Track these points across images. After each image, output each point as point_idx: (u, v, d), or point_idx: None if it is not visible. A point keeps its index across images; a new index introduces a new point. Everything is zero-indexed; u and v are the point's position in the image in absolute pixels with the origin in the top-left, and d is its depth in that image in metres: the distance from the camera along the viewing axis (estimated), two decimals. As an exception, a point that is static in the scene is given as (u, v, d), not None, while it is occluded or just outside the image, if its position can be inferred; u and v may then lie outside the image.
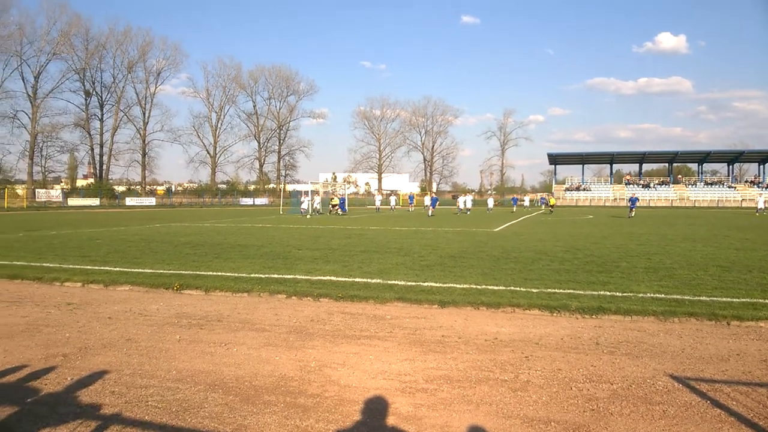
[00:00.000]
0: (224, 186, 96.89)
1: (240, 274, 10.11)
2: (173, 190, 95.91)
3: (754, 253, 14.01)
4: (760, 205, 47.60)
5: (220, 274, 10.21)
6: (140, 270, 10.74)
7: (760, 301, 7.72)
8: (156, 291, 8.91)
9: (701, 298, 8.00)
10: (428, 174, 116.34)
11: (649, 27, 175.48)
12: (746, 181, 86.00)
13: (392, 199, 58.86)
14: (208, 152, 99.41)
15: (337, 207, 42.38)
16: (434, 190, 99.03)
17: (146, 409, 4.08)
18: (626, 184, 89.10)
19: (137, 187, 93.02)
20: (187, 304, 7.96)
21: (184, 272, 10.44)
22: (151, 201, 74.05)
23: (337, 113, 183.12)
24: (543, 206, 53.27)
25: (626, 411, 4.10)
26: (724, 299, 7.88)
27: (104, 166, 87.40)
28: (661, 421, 3.92)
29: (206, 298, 8.44)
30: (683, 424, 3.86)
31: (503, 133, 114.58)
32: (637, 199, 42.01)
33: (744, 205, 72.79)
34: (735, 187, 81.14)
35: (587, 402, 4.28)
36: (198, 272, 10.42)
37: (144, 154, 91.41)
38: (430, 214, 39.77)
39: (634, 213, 39.42)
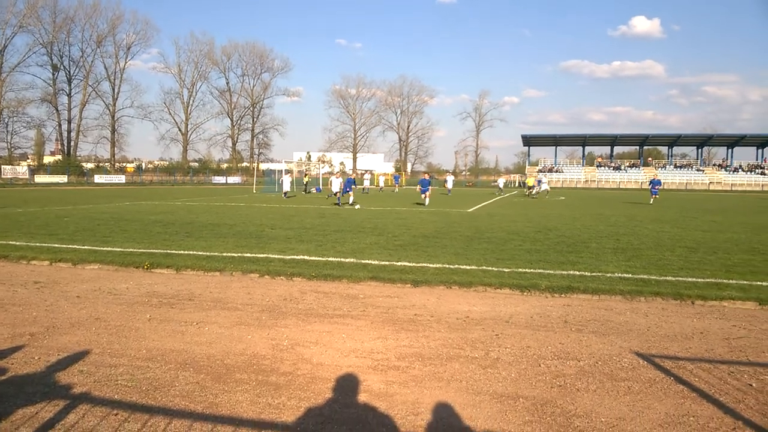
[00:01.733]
0: (196, 164, 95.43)
1: (212, 253, 10.02)
2: (143, 167, 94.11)
3: (720, 234, 14.40)
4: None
5: (191, 253, 10.10)
6: (109, 248, 10.56)
7: (724, 281, 7.95)
8: (126, 270, 8.78)
9: (667, 278, 8.20)
10: (403, 154, 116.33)
11: (624, 10, 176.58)
12: (714, 165, 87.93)
13: (366, 179, 50.62)
14: (180, 129, 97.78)
15: (313, 188, 41.68)
16: (408, 170, 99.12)
17: (115, 388, 4.05)
18: (597, 166, 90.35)
19: (106, 164, 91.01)
20: (158, 282, 7.87)
21: (154, 251, 10.30)
22: (121, 179, 72.52)
23: (312, 92, 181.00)
24: (524, 188, 47.92)
25: (592, 387, 4.21)
26: (690, 279, 8.09)
27: (72, 143, 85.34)
28: (626, 396, 4.03)
29: (177, 277, 8.36)
30: (647, 399, 3.98)
31: (478, 114, 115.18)
32: (659, 181, 34.28)
33: (712, 188, 74.59)
34: (703, 171, 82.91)
35: (555, 378, 4.38)
36: (169, 251, 10.29)
37: (113, 131, 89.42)
38: (425, 198, 38.68)
39: (654, 199, 32.52)
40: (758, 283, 7.83)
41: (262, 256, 9.86)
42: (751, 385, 4.25)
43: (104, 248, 10.59)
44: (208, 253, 10.01)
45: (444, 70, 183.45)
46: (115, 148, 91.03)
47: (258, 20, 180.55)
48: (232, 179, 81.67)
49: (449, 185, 46.47)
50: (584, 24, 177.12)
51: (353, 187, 27.69)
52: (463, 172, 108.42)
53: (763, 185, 75.61)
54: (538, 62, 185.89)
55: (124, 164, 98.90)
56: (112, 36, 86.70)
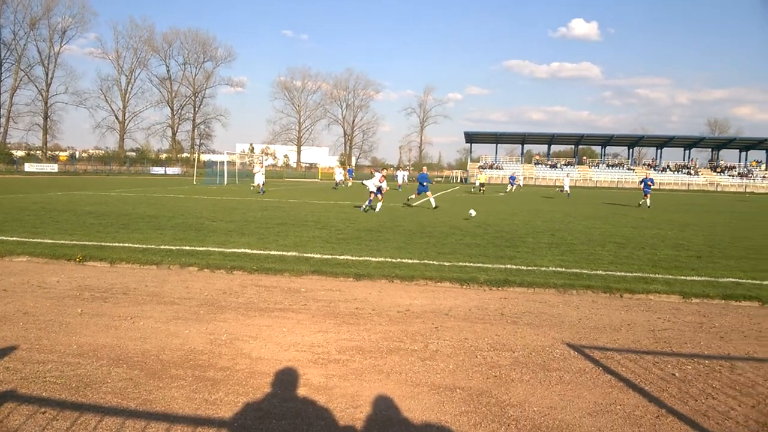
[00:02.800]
0: (133, 154, 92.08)
1: (149, 246, 9.72)
2: (77, 156, 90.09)
3: (647, 231, 15.14)
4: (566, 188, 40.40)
5: (126, 245, 9.76)
6: (39, 240, 10.06)
7: (650, 275, 8.38)
8: (56, 262, 8.40)
9: (598, 272, 8.57)
10: (348, 148, 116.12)
11: (564, 12, 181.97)
12: (644, 164, 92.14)
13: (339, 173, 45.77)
14: (117, 117, 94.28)
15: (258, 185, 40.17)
16: (353, 164, 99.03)
17: (44, 385, 3.88)
18: (535, 163, 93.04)
19: (38, 152, 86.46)
20: (91, 276, 7.58)
21: (87, 243, 9.89)
22: (53, 167, 69.09)
23: (257, 83, 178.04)
24: (475, 187, 47.99)
25: (526, 377, 4.36)
26: (619, 273, 8.48)
27: (1, 129, 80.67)
28: (557, 386, 4.20)
29: (111, 270, 8.06)
30: (577, 389, 4.16)
31: (423, 110, 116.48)
32: (651, 180, 29.37)
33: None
34: (633, 170, 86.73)
35: (490, 369, 4.51)
36: (103, 243, 9.90)
37: (46, 117, 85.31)
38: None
39: (645, 202, 28.33)
40: (682, 277, 8.29)
41: (201, 249, 9.65)
42: (674, 374, 4.51)
43: (34, 240, 10.08)
44: (144, 246, 9.70)
45: (390, 65, 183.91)
46: (48, 136, 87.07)
47: (201, 8, 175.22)
48: (171, 170, 79.31)
49: (400, 180, 46.55)
50: (526, 24, 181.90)
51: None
52: (407, 167, 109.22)
53: (689, 184, 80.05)
54: (482, 61, 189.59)
55: (57, 152, 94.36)
56: (47, 19, 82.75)
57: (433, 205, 21.48)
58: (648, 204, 28.19)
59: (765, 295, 7.21)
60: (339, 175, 42.38)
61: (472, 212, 17.33)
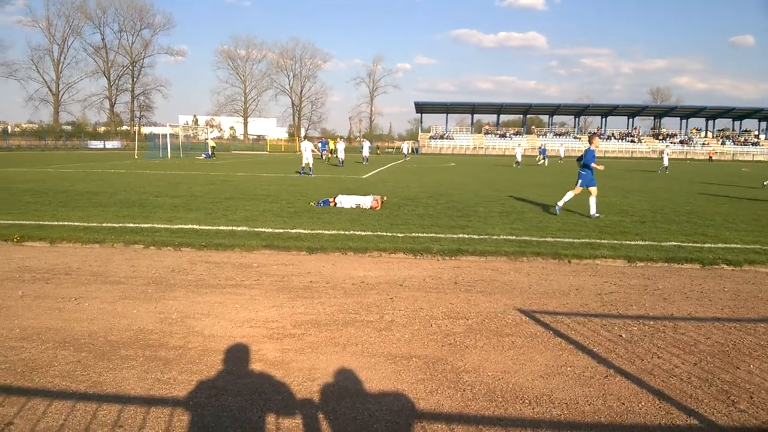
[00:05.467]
0: (70, 127, 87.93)
1: (90, 224, 9.34)
2: (9, 131, 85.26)
3: (592, 197, 15.57)
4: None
5: (67, 224, 9.35)
6: (-31, 221, 9.51)
7: (597, 241, 8.66)
8: (-10, 244, 7.97)
9: (547, 239, 8.79)
10: (297, 119, 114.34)
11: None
12: (589, 132, 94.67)
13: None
14: (50, 89, 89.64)
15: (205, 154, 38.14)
16: (302, 135, 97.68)
17: (-18, 373, 3.70)
18: (485, 133, 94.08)
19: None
20: (30, 257, 7.23)
21: (25, 222, 9.42)
22: (-18, 143, 65.35)
23: (198, 52, 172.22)
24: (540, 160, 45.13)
25: (480, 344, 4.45)
26: (567, 240, 8.72)
27: None
28: (510, 351, 4.30)
29: (52, 250, 7.71)
30: (529, 353, 4.27)
31: (372, 80, 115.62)
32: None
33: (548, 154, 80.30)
34: (579, 138, 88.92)
35: (445, 337, 4.58)
36: (41, 222, 9.45)
37: (-30, 90, 79.99)
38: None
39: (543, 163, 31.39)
40: (627, 242, 8.60)
41: (146, 226, 9.34)
42: (621, 336, 4.69)
43: (-38, 220, 9.52)
44: (86, 224, 9.31)
45: (337, 34, 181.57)
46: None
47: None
48: (110, 144, 76.22)
49: (365, 152, 40.58)
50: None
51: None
52: (358, 138, 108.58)
53: (632, 152, 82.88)
54: (430, 30, 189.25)
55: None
56: (-30, -15, 76.88)
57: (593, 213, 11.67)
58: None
59: (706, 258, 7.57)
60: (308, 153, 24.36)
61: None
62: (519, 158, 41.98)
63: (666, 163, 37.31)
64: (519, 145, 48.58)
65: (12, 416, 3.16)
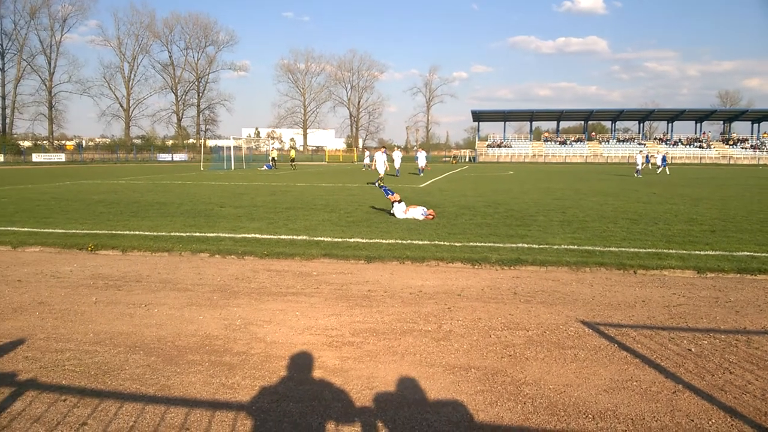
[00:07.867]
0: (139, 141, 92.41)
1: (159, 233, 9.76)
2: (84, 145, 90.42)
3: (660, 206, 15.02)
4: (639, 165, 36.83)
5: (137, 233, 9.81)
6: (51, 230, 10.13)
7: (664, 251, 8.31)
8: (69, 252, 8.46)
9: (611, 248, 8.51)
10: (354, 130, 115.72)
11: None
12: (655, 138, 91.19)
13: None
14: (121, 105, 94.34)
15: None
16: (360, 145, 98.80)
17: (63, 374, 3.92)
18: (545, 140, 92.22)
19: (44, 142, 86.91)
20: (103, 264, 7.63)
21: (98, 232, 9.95)
22: (60, 157, 69.55)
23: (260, 66, 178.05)
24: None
25: (540, 356, 4.35)
26: (632, 250, 8.42)
27: (7, 120, 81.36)
28: (572, 364, 4.19)
29: (123, 258, 8.11)
30: (592, 366, 4.15)
31: (428, 90, 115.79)
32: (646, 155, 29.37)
33: (652, 161, 77.43)
34: (645, 144, 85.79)
35: (505, 348, 4.51)
36: (114, 231, 9.96)
37: (50, 107, 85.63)
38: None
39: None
40: (696, 252, 8.22)
41: (212, 235, 9.68)
42: (690, 350, 4.49)
43: (45, 230, 10.16)
44: (155, 233, 9.74)
45: (394, 45, 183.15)
46: (54, 125, 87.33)
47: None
48: (178, 156, 79.50)
49: (421, 163, 36.97)
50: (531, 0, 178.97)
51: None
52: (415, 148, 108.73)
53: (701, 158, 79.07)
54: (486, 38, 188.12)
55: (64, 142, 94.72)
56: (47, 7, 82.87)
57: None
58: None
59: (780, 268, 7.13)
60: (380, 164, 25.94)
61: None
62: (640, 166, 36.12)
63: (640, 166, 35.16)
64: (640, 152, 40.59)
65: (86, 417, 3.33)
